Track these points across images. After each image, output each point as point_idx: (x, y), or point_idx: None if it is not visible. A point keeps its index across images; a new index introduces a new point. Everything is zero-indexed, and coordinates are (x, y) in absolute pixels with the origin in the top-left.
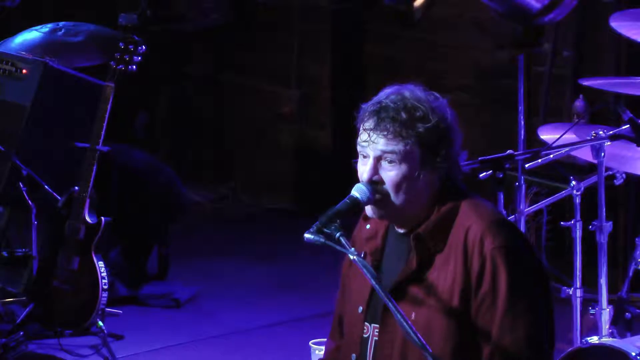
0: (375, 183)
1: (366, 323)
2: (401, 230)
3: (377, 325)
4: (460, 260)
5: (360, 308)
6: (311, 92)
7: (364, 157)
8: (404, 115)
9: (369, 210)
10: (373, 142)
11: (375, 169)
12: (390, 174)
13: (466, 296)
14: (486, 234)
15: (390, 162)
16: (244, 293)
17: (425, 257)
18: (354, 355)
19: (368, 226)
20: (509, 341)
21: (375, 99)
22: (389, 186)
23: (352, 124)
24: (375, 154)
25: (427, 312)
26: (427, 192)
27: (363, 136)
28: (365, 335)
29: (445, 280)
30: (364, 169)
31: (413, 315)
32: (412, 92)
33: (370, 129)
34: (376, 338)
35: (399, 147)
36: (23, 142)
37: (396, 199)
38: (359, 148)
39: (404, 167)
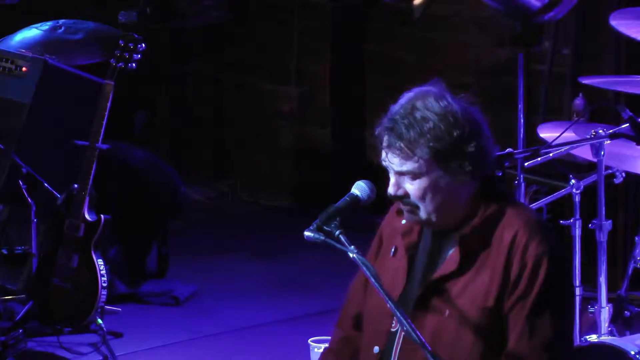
0: (400, 197)
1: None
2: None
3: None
4: (501, 262)
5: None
6: (311, 91)
7: (389, 170)
8: (412, 133)
9: (407, 217)
10: (390, 162)
11: (398, 184)
12: (412, 187)
13: (501, 297)
14: (532, 240)
15: (411, 177)
16: (244, 291)
17: (468, 257)
18: (376, 347)
19: (404, 221)
20: (526, 345)
21: (390, 110)
22: (414, 199)
23: (352, 122)
24: (394, 171)
25: (461, 310)
26: (460, 195)
27: (382, 154)
28: (393, 330)
29: (483, 281)
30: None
31: (447, 312)
32: (424, 99)
33: (386, 148)
34: (404, 333)
35: (413, 165)
36: (23, 140)
37: (425, 208)
38: (382, 163)
39: (424, 180)
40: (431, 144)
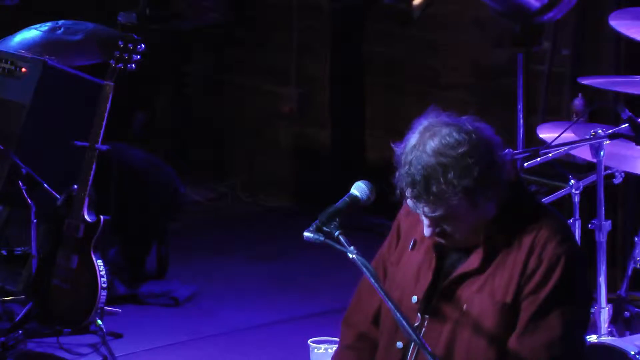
0: (438, 235)
1: (418, 313)
2: None
3: (428, 316)
4: (521, 260)
5: (415, 298)
6: (311, 91)
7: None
8: (436, 187)
9: (441, 241)
10: (422, 210)
11: (433, 226)
12: (447, 226)
13: (518, 294)
14: (551, 240)
15: (443, 219)
16: (243, 292)
17: (489, 254)
18: (400, 343)
19: None
20: (528, 341)
21: (401, 156)
22: (450, 232)
23: (352, 123)
24: (427, 217)
25: (479, 306)
26: (489, 211)
27: (410, 203)
28: (416, 324)
29: (503, 278)
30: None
31: (465, 307)
32: (433, 141)
33: (412, 197)
34: (425, 328)
35: (443, 211)
36: (22, 141)
37: (461, 236)
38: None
39: (457, 219)
40: (457, 189)
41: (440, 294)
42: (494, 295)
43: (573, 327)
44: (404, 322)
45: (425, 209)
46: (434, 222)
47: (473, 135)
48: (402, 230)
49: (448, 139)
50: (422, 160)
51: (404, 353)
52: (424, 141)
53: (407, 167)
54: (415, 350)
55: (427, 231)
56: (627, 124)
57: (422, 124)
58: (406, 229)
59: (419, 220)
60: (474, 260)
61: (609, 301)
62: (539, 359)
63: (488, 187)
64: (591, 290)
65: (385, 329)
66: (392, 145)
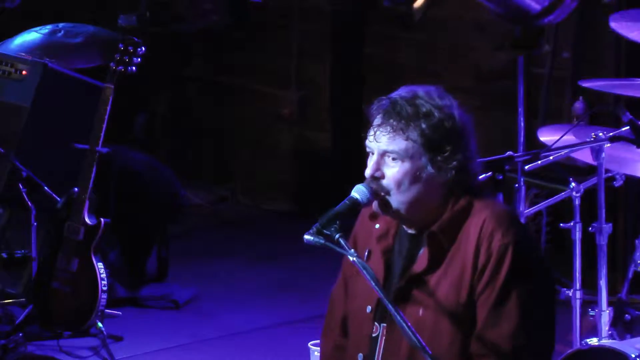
0: (376, 179)
1: (375, 323)
2: (411, 231)
3: (386, 325)
4: (470, 255)
5: (369, 308)
6: (311, 94)
7: (372, 153)
8: (409, 109)
9: (375, 206)
10: (377, 140)
11: (378, 165)
12: (392, 170)
13: (473, 289)
14: (497, 230)
15: (394, 159)
16: (243, 294)
17: (437, 254)
18: (361, 355)
19: (377, 225)
20: (491, 334)
21: (389, 95)
22: (390, 182)
23: (352, 126)
24: (379, 150)
25: (435, 308)
26: (434, 195)
27: (370, 132)
28: (374, 335)
29: (454, 276)
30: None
31: (421, 312)
32: (425, 90)
33: (377, 125)
34: (385, 337)
35: (400, 145)
36: (23, 144)
37: (398, 196)
38: (366, 144)
39: (406, 165)
40: (423, 126)
41: (393, 300)
42: (448, 295)
43: (533, 313)
44: (405, 326)
45: (384, 138)
46: (380, 161)
47: (462, 112)
48: (358, 242)
49: (440, 97)
50: (408, 94)
51: None
52: (418, 88)
53: (389, 96)
54: None
55: (369, 169)
56: (627, 127)
57: (425, 85)
58: (362, 240)
59: (376, 231)
60: (421, 262)
61: (609, 304)
62: (504, 351)
63: (448, 155)
64: (549, 272)
65: (350, 341)
66: None
